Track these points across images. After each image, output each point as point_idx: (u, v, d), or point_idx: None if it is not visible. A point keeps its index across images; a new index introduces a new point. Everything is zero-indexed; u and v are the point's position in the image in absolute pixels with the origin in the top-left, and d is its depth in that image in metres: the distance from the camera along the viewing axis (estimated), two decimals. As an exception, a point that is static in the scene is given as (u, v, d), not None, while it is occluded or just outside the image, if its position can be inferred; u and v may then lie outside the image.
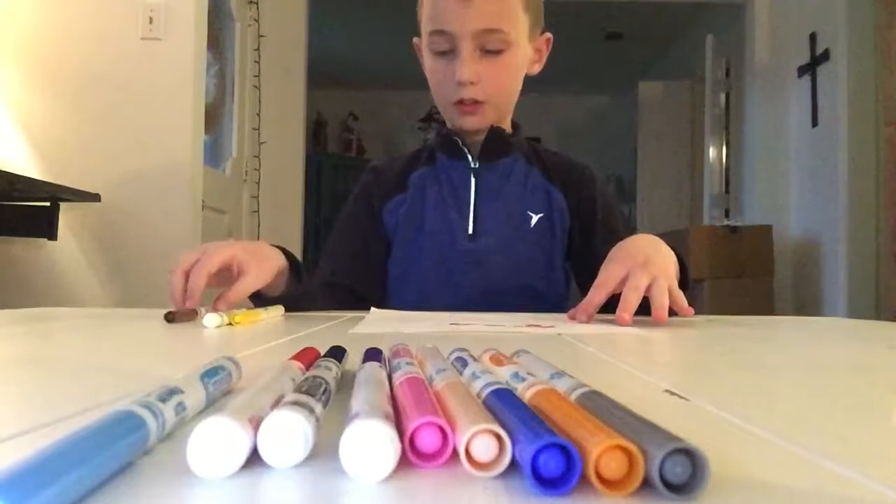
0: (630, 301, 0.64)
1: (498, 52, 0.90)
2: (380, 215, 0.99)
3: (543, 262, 0.95)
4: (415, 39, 1.00)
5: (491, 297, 0.91)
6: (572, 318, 0.70)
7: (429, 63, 0.95)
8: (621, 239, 0.83)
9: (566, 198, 0.98)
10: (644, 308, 0.65)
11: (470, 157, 0.98)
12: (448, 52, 0.91)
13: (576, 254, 0.98)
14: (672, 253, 0.76)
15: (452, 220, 0.96)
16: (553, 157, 1.03)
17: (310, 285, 0.87)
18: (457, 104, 0.93)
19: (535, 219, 0.96)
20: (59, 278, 2.00)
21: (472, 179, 0.97)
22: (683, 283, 0.75)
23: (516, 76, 0.95)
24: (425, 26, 0.93)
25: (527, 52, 0.95)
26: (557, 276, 0.96)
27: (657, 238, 0.77)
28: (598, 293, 0.67)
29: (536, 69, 0.99)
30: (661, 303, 0.64)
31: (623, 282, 0.67)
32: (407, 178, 1.01)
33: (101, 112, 2.02)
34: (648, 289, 0.65)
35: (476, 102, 0.92)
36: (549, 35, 0.99)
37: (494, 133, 0.96)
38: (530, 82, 0.98)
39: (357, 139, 5.95)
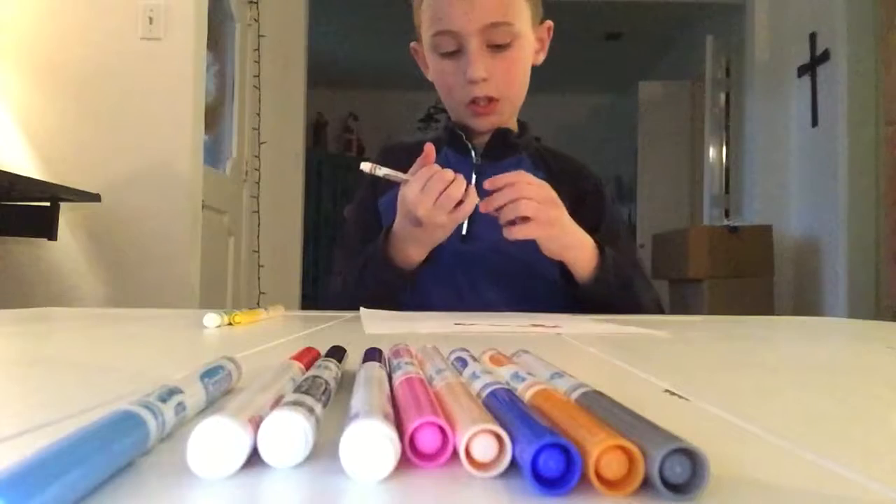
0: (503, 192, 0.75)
1: (506, 46, 0.89)
2: (376, 207, 0.97)
3: (538, 267, 0.89)
4: (412, 45, 0.98)
5: (482, 299, 0.89)
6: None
7: (435, 66, 0.93)
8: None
9: (569, 208, 0.95)
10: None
11: (473, 154, 0.97)
12: (455, 52, 0.89)
13: None
14: (589, 242, 0.83)
15: None
16: (560, 163, 1.00)
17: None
18: (470, 105, 0.91)
19: None
20: (59, 278, 2.00)
21: (473, 177, 0.95)
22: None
23: (525, 68, 0.94)
24: (427, 29, 0.91)
25: (532, 42, 0.93)
26: (553, 280, 0.91)
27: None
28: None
29: (540, 58, 0.97)
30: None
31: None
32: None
33: (101, 112, 2.02)
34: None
35: (491, 101, 0.91)
36: (549, 23, 0.97)
37: (499, 133, 0.95)
38: (529, 82, 0.97)
39: (357, 139, 5.96)
